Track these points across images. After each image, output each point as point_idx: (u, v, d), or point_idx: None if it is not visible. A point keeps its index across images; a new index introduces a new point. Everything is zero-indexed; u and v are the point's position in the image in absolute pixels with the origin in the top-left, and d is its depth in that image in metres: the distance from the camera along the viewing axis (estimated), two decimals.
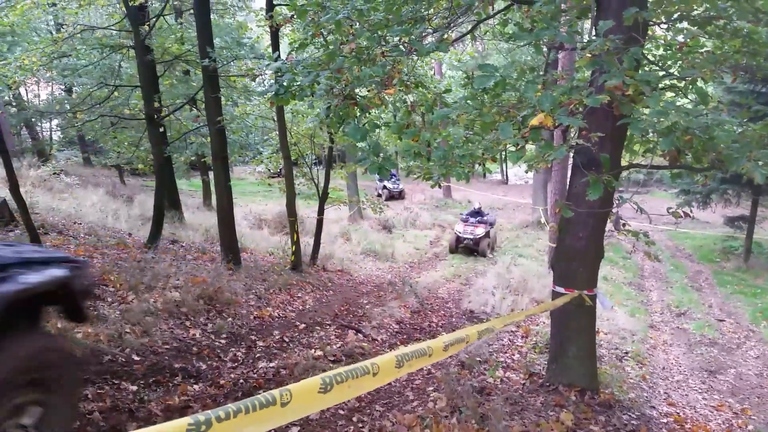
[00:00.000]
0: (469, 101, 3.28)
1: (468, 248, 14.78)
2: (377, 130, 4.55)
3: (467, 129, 3.69)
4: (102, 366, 4.22)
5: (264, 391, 4.38)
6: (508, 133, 2.76)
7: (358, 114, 3.76)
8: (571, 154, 3.88)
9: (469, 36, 7.04)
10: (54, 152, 19.31)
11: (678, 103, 5.20)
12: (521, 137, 2.74)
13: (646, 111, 2.84)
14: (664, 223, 18.50)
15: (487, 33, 7.64)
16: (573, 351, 5.11)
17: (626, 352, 7.45)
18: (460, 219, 15.73)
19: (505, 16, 5.29)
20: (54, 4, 10.42)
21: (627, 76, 2.64)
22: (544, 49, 5.35)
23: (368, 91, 3.85)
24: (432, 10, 4.78)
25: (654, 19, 5.34)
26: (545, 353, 6.17)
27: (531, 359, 6.53)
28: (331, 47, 4.26)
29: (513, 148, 2.74)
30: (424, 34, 4.31)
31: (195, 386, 4.36)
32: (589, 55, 2.85)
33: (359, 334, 6.60)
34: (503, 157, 29.39)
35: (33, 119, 19.99)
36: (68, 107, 15.30)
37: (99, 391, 3.64)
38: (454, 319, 8.33)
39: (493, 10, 4.22)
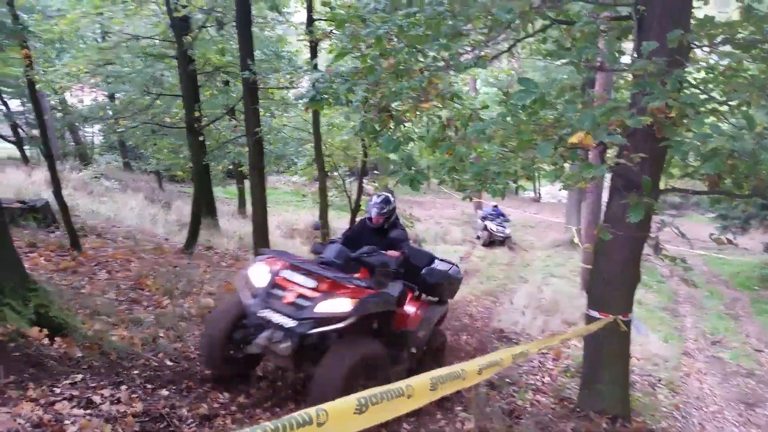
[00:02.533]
0: (506, 118, 3.28)
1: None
2: (410, 144, 4.57)
3: (503, 146, 3.68)
4: (135, 370, 4.30)
5: (293, 403, 4.40)
6: (547, 151, 2.74)
7: (393, 126, 3.79)
8: (608, 175, 3.82)
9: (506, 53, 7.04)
10: (95, 156, 19.94)
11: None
12: (560, 156, 2.72)
13: (688, 134, 2.80)
14: (700, 248, 18.01)
15: (525, 50, 7.61)
16: (606, 377, 5.01)
17: (659, 380, 7.25)
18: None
19: (543, 34, 5.29)
20: (101, 14, 10.79)
21: (670, 98, 2.60)
22: (571, 69, 5.29)
23: (404, 104, 3.88)
24: (470, 26, 4.81)
25: (696, 42, 5.27)
26: (576, 377, 6.05)
27: (562, 383, 6.41)
28: (369, 61, 4.30)
29: (551, 167, 2.72)
30: (461, 51, 4.33)
31: (225, 394, 4.40)
32: (632, 77, 2.81)
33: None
34: (537, 174, 29.12)
35: (76, 124, 20.64)
36: (111, 113, 15.81)
37: (132, 395, 3.70)
38: (483, 338, 8.23)
39: (533, 28, 4.22)
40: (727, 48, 5.42)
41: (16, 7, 6.88)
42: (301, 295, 4.01)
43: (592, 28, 3.81)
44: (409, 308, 5.09)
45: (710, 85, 5.25)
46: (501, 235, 18.22)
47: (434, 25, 4.16)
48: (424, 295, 5.50)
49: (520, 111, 3.17)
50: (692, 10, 5.14)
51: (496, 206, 18.95)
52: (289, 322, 3.85)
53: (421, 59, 4.27)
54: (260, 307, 4.00)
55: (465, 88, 22.55)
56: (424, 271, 5.40)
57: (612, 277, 4.84)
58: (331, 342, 4.07)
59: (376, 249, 4.71)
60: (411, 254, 5.49)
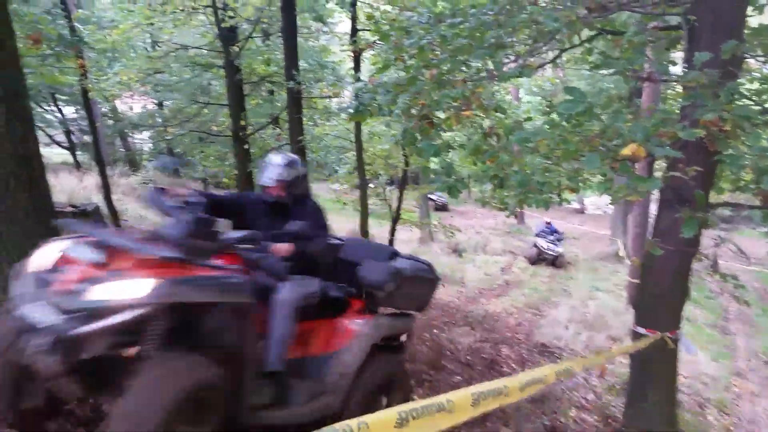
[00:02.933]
0: (549, 127, 3.22)
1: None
2: (450, 153, 4.55)
3: (547, 157, 3.62)
4: None
5: None
6: (594, 163, 2.68)
7: (433, 133, 3.79)
8: (657, 189, 3.71)
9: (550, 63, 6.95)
10: (144, 163, 20.59)
11: None
12: (609, 168, 2.65)
13: (743, 148, 2.69)
14: (753, 264, 17.29)
15: (570, 60, 7.49)
16: (652, 396, 4.84)
17: (708, 400, 6.97)
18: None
19: (590, 44, 5.19)
20: (152, 24, 11.16)
21: (724, 110, 2.51)
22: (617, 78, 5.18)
23: (445, 113, 3.87)
24: (515, 36, 4.76)
25: (751, 52, 5.08)
26: (622, 395, 5.87)
27: (607, 401, 6.24)
28: (411, 71, 4.31)
29: (599, 179, 2.65)
30: (506, 60, 4.29)
31: None
32: (683, 88, 2.73)
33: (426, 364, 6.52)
34: (582, 186, 28.54)
35: (126, 131, 21.36)
36: (159, 121, 16.31)
37: None
38: (524, 352, 8.08)
39: (579, 38, 4.15)
40: None
41: (73, 19, 7.20)
42: (84, 279, 2.51)
43: (640, 39, 3.71)
44: (334, 323, 3.57)
45: (764, 97, 5.06)
46: (551, 253, 16.95)
47: (478, 35, 4.14)
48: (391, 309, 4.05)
49: (565, 121, 3.10)
50: (746, 20, 4.98)
51: (549, 223, 17.93)
52: (48, 318, 2.35)
53: (464, 69, 4.25)
54: (26, 300, 2.51)
55: (507, 97, 22.38)
56: (360, 267, 3.67)
57: (660, 292, 4.68)
58: (144, 357, 2.43)
59: (258, 236, 3.11)
60: (354, 248, 4.09)
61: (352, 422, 1.35)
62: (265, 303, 3.08)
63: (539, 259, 17.02)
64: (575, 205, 35.50)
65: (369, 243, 4.90)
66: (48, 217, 4.06)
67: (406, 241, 17.10)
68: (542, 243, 17.10)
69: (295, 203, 3.61)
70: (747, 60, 5.36)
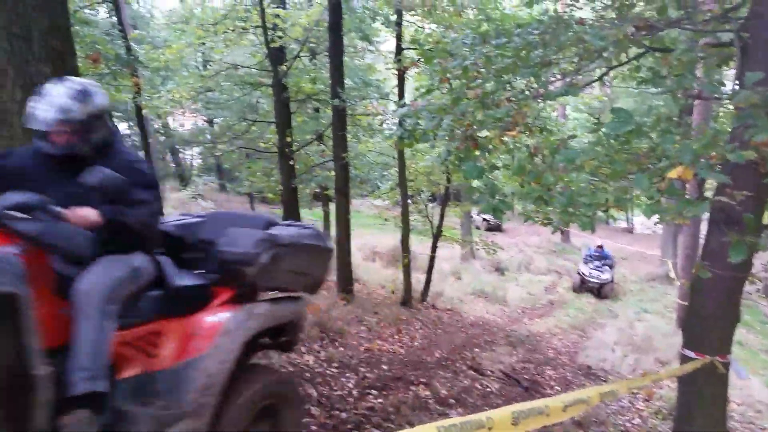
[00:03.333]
0: (597, 147, 3.20)
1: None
2: (494, 172, 4.56)
3: (593, 175, 3.59)
4: None
5: (371, 427, 4.42)
6: (642, 183, 2.65)
7: (478, 154, 3.81)
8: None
9: (599, 80, 6.89)
10: (193, 178, 21.24)
11: None
12: (657, 190, 2.62)
13: None
14: None
15: (617, 77, 7.40)
16: (700, 422, 4.66)
17: (763, 429, 6.67)
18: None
19: (638, 62, 5.13)
20: (203, 44, 11.58)
21: None
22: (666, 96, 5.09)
23: (490, 132, 3.89)
24: (561, 54, 4.76)
25: None
26: (669, 420, 5.69)
27: (653, 425, 6.06)
28: (455, 92, 4.36)
29: (646, 200, 2.63)
30: (552, 79, 4.29)
31: (307, 413, 4.50)
32: (734, 108, 2.68)
33: (467, 380, 6.49)
34: (630, 204, 27.83)
35: (177, 147, 22.09)
36: (209, 137, 16.83)
37: None
38: (568, 374, 7.93)
39: (626, 56, 4.12)
40: None
41: (129, 40, 7.57)
42: None
43: (689, 56, 3.67)
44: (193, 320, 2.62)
45: None
46: (595, 280, 15.10)
47: (523, 55, 4.16)
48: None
49: (612, 140, 3.08)
50: None
51: (600, 246, 16.14)
52: None
53: (509, 88, 4.27)
54: None
55: (554, 114, 22.14)
56: (221, 239, 2.75)
57: (709, 315, 4.52)
58: None
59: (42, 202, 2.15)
60: (219, 223, 3.04)
61: None
62: (66, 298, 2.18)
63: (583, 287, 15.38)
64: (624, 225, 34.64)
65: (240, 214, 3.51)
66: None
67: (448, 258, 17.04)
68: (585, 270, 15.50)
69: (98, 155, 2.43)
70: None
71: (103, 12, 13.94)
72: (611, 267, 15.63)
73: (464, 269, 16.06)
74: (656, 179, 2.62)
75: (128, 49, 7.31)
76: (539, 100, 3.76)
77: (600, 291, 15.15)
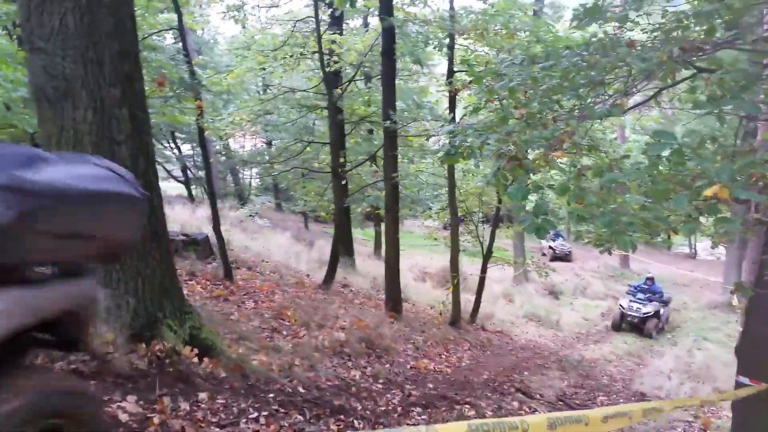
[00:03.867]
0: (639, 168, 3.20)
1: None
2: (542, 192, 4.57)
3: (641, 196, 3.57)
4: (270, 393, 4.66)
5: None
6: (681, 203, 2.65)
7: (523, 174, 3.84)
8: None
9: (653, 101, 6.79)
10: (251, 197, 21.91)
11: None
12: (695, 209, 2.61)
13: None
14: None
15: (673, 99, 7.26)
16: None
17: None
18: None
19: (693, 83, 5.06)
20: (263, 69, 12.07)
21: None
22: (730, 118, 4.97)
23: (534, 153, 3.93)
24: (611, 76, 4.75)
25: None
26: None
27: None
28: (502, 111, 4.43)
29: (686, 220, 2.61)
30: (598, 99, 4.30)
31: (350, 426, 4.59)
32: None
33: (514, 402, 6.41)
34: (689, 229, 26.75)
35: (237, 167, 22.88)
36: (267, 158, 17.41)
37: (264, 414, 4.02)
38: (621, 400, 7.69)
39: (673, 78, 4.09)
40: None
41: (193, 64, 8.02)
42: None
43: (736, 77, 3.62)
44: None
45: None
46: (634, 314, 13.22)
47: (570, 77, 4.20)
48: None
49: (658, 163, 3.08)
50: None
51: (651, 278, 14.36)
52: None
53: (556, 109, 4.30)
54: None
55: (613, 136, 21.68)
56: None
57: (763, 340, 4.38)
58: None
59: None
60: None
61: (421, 428, 1.44)
62: None
63: (623, 323, 13.56)
64: (686, 251, 33.28)
65: None
66: (163, 243, 4.51)
67: (500, 280, 16.85)
68: (624, 303, 13.73)
69: None
70: None
71: (169, 38, 14.79)
72: (664, 302, 13.88)
73: (516, 292, 15.84)
74: (696, 200, 2.61)
75: (192, 73, 7.72)
76: (585, 121, 3.76)
77: (642, 327, 13.23)
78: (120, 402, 3.58)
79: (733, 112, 3.65)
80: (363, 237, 21.91)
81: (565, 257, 24.08)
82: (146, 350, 4.16)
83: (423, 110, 13.86)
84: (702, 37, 3.73)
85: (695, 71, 4.50)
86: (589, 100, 3.86)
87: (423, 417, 5.24)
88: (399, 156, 10.18)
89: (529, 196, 3.38)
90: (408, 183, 12.89)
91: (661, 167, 3.12)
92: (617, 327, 13.60)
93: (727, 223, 2.59)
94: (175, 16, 7.73)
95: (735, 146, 4.75)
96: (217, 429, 3.74)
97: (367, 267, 13.62)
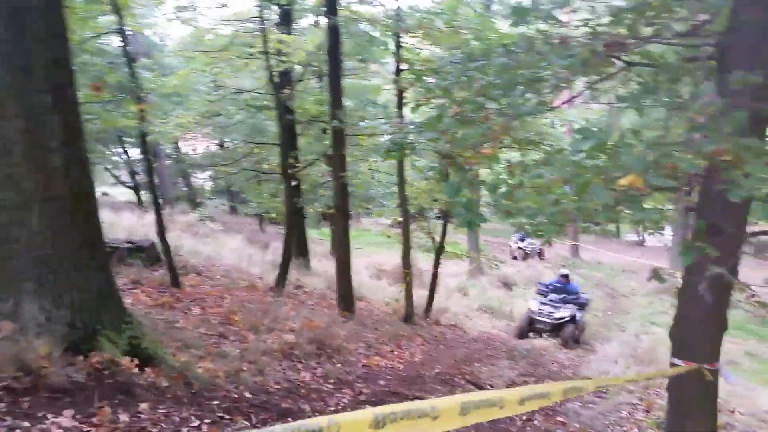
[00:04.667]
0: (563, 163, 3.30)
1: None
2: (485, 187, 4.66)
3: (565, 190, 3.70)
4: (215, 401, 4.60)
5: None
6: (599, 194, 2.75)
7: (454, 172, 3.93)
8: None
9: (590, 96, 6.98)
10: (204, 201, 21.54)
11: None
12: (614, 198, 2.72)
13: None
14: None
15: (607, 94, 7.49)
16: (690, 429, 4.68)
17: None
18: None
19: (626, 76, 5.23)
20: (207, 70, 11.86)
21: (727, 141, 2.56)
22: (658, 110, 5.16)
23: (466, 150, 4.01)
24: (549, 71, 4.88)
25: None
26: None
27: None
28: (438, 110, 4.50)
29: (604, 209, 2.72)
30: (529, 96, 4.41)
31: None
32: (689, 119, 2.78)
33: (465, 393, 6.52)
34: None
35: (189, 170, 22.48)
36: (218, 161, 17.16)
37: (207, 422, 3.97)
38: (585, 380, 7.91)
39: (602, 73, 4.23)
40: None
41: (135, 67, 7.84)
42: None
43: (665, 70, 3.78)
44: None
45: None
46: (547, 320, 10.94)
47: (502, 75, 4.29)
48: None
49: (579, 156, 3.19)
50: None
51: (565, 276, 12.11)
52: None
53: (488, 107, 4.39)
54: None
55: (562, 129, 22.24)
56: None
57: (696, 324, 4.57)
58: None
59: None
60: None
61: (323, 420, 1.43)
62: None
63: (531, 330, 11.23)
64: (634, 238, 34.44)
65: None
66: (99, 251, 4.41)
67: (455, 274, 17.06)
68: (534, 306, 11.38)
69: None
70: None
71: (118, 42, 14.37)
72: (580, 305, 11.46)
73: (471, 285, 16.06)
74: (614, 190, 2.72)
75: (133, 76, 7.55)
76: (514, 119, 3.86)
77: (557, 335, 10.80)
78: (55, 418, 3.49)
79: (655, 105, 3.81)
80: (319, 237, 21.82)
81: (537, 255, 23.37)
82: (84, 363, 4.07)
83: (377, 108, 13.89)
84: (625, 32, 3.87)
85: (625, 65, 4.67)
86: (519, 99, 3.94)
87: None
88: (355, 154, 10.20)
89: (455, 195, 3.44)
90: (358, 181, 12.90)
91: (581, 161, 3.23)
92: (523, 334, 11.13)
93: (642, 212, 2.71)
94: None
95: (664, 138, 4.94)
96: None
97: (323, 267, 13.57)
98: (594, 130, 3.02)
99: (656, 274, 3.38)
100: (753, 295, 4.55)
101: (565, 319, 10.87)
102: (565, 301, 11.29)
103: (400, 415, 1.63)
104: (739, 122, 2.69)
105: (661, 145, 2.78)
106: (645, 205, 3.00)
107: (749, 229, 5.23)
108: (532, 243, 22.45)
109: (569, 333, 10.77)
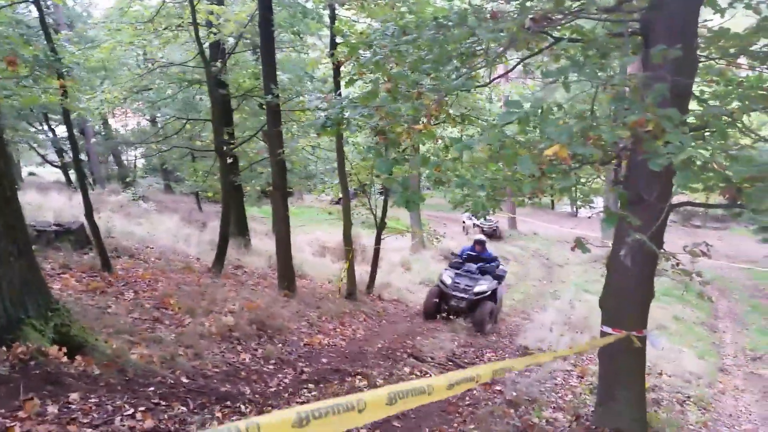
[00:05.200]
0: (491, 134, 3.33)
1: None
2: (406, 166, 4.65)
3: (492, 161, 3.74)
4: (151, 387, 4.47)
5: None
6: (526, 165, 2.79)
7: (388, 148, 3.90)
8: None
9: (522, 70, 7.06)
10: (137, 179, 20.71)
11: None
12: (538, 169, 2.77)
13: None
14: (743, 262, 17.37)
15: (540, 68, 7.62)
16: (621, 394, 4.93)
17: (689, 397, 7.04)
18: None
19: (557, 51, 5.31)
20: (133, 44, 11.27)
21: (648, 112, 2.62)
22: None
23: (399, 126, 3.98)
24: (481, 46, 4.88)
25: (709, 54, 5.22)
26: None
27: (583, 400, 6.31)
28: (371, 84, 4.43)
29: (529, 180, 2.77)
30: (462, 72, 4.40)
31: (237, 412, 4.52)
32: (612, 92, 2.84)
33: (406, 368, 6.60)
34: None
35: (120, 148, 21.51)
36: (149, 138, 16.49)
37: (141, 410, 3.85)
38: (507, 355, 8.16)
39: (530, 47, 4.27)
40: (743, 60, 5.37)
41: (54, 41, 7.34)
42: None
43: (595, 45, 3.85)
44: None
45: (729, 98, 5.22)
46: (463, 295, 9.32)
47: (432, 49, 4.26)
48: None
49: (506, 128, 3.22)
50: (708, 23, 5.14)
51: (481, 241, 10.68)
52: None
53: (422, 83, 4.36)
54: None
55: (499, 105, 22.49)
56: None
57: (624, 292, 4.79)
58: None
59: None
60: None
61: (241, 423, 1.39)
62: None
63: (441, 306, 9.53)
64: (567, 209, 35.65)
65: None
66: (20, 236, 4.17)
67: (398, 249, 17.19)
68: (447, 278, 9.71)
69: None
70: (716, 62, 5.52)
71: (36, 12, 13.40)
72: (498, 278, 9.90)
73: (414, 260, 16.23)
74: (539, 161, 2.76)
75: (53, 50, 7.06)
76: (445, 94, 3.84)
77: (471, 314, 9.22)
78: None
79: (581, 79, 3.88)
80: (260, 215, 21.44)
81: (493, 234, 21.94)
82: (7, 354, 3.87)
83: (315, 82, 13.60)
84: (552, 7, 3.90)
85: (554, 40, 4.73)
86: (449, 74, 3.93)
87: (314, 393, 5.26)
88: (292, 131, 9.97)
89: (388, 171, 3.42)
90: (297, 159, 12.69)
91: (509, 134, 3.28)
92: (432, 313, 9.51)
93: (567, 180, 2.77)
94: None
95: (593, 113, 5.07)
96: (90, 429, 3.55)
97: (264, 246, 13.34)
98: (520, 102, 3.05)
99: (579, 243, 3.47)
100: (677, 264, 4.79)
101: (485, 294, 9.33)
102: (482, 271, 9.77)
103: (324, 411, 1.61)
104: (660, 94, 2.77)
105: (586, 118, 2.83)
106: (575, 174, 3.07)
107: (676, 199, 5.50)
108: (489, 220, 20.57)
109: (487, 311, 9.09)
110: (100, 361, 4.44)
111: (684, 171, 2.41)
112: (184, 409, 4.30)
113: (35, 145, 21.44)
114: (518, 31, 3.45)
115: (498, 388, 6.22)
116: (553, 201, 33.45)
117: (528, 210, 28.21)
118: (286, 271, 8.75)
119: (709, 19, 5.35)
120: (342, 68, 9.43)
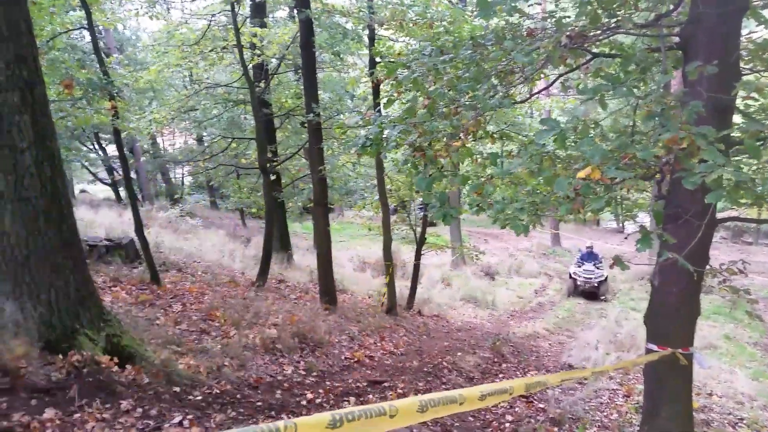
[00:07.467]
0: (531, 156, 3.37)
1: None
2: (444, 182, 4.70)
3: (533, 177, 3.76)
4: (197, 396, 4.63)
5: None
6: (562, 186, 2.82)
7: (426, 165, 3.97)
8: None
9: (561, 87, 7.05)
10: (185, 196, 21.38)
11: None
12: (573, 190, 2.79)
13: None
14: None
15: (579, 84, 7.59)
16: (666, 412, 4.81)
17: (741, 419, 6.78)
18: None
19: (597, 67, 5.31)
20: (179, 65, 11.75)
21: (682, 129, 2.63)
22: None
23: (437, 143, 4.06)
24: (518, 64, 4.93)
25: (754, 67, 5.12)
26: None
27: (628, 419, 6.18)
28: (409, 103, 4.54)
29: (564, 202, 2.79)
30: (499, 90, 4.46)
31: (285, 417, 4.63)
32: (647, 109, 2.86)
33: (449, 385, 6.60)
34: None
35: (167, 165, 22.26)
36: (196, 156, 17.06)
37: (189, 418, 4.00)
38: (550, 374, 8.05)
39: (569, 64, 4.30)
40: None
41: (106, 64, 7.75)
42: None
43: (635, 61, 3.86)
44: None
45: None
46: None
47: (470, 68, 4.34)
48: None
49: (543, 148, 3.26)
50: (753, 35, 5.05)
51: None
52: None
53: (459, 100, 4.44)
54: None
55: (539, 118, 22.27)
56: None
57: (668, 309, 4.70)
58: None
59: None
60: None
61: (280, 423, 1.48)
62: None
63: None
64: (613, 225, 34.89)
65: None
66: (75, 251, 4.40)
67: (439, 265, 17.19)
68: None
69: None
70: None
71: (89, 37, 14.13)
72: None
73: (454, 276, 16.18)
74: (574, 181, 2.79)
75: (105, 73, 7.47)
76: (481, 113, 3.91)
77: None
78: (38, 416, 3.51)
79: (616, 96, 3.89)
80: (303, 231, 21.79)
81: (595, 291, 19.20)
82: (63, 362, 4.08)
83: (356, 101, 13.86)
84: (586, 24, 3.94)
85: (591, 57, 4.75)
86: (485, 92, 3.99)
87: (356, 408, 5.33)
88: (330, 148, 10.18)
89: (427, 188, 3.49)
90: (337, 175, 12.91)
91: (549, 152, 3.31)
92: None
93: (594, 201, 2.78)
94: None
95: (634, 128, 5.03)
96: None
97: (305, 261, 13.58)
98: (556, 121, 3.09)
99: (618, 261, 3.45)
100: (724, 280, 4.67)
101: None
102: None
103: (357, 415, 1.68)
104: (695, 111, 2.77)
105: (623, 135, 2.85)
106: (608, 194, 3.08)
107: (726, 214, 5.37)
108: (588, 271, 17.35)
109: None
110: (149, 371, 4.62)
111: (717, 190, 2.41)
112: (230, 418, 4.45)
113: (87, 164, 22.43)
114: (554, 49, 3.50)
115: (541, 405, 6.16)
116: (574, 216, 32.77)
117: (572, 226, 27.76)
118: (327, 286, 8.90)
119: (754, 31, 5.26)
120: (381, 86, 9.61)
